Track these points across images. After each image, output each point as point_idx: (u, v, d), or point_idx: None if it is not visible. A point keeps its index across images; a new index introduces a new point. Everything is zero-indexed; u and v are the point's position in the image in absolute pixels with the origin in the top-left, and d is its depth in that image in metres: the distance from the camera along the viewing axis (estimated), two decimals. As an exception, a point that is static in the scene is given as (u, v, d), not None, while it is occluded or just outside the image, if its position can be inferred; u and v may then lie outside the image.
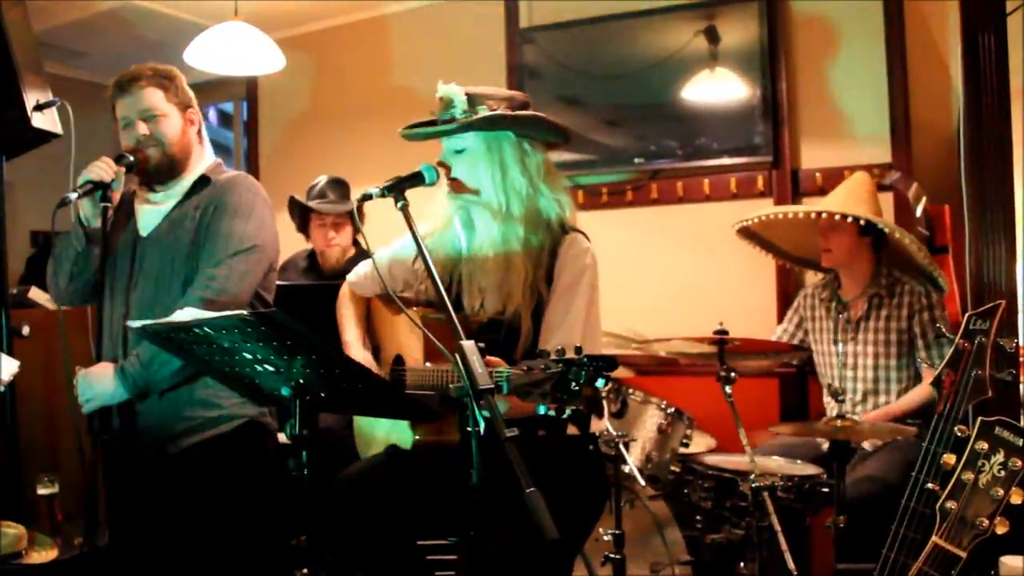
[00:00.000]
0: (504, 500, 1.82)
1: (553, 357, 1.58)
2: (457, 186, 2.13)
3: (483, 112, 2.08)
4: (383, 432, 2.27)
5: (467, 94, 2.11)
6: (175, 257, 2.35)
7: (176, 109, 2.41)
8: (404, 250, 2.33)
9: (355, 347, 2.35)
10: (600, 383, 1.55)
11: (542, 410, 1.58)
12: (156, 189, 2.44)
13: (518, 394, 1.61)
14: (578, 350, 1.56)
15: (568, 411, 1.57)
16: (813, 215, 3.08)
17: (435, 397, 2.04)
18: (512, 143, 2.12)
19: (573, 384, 1.54)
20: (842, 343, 3.15)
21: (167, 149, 2.38)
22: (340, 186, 3.74)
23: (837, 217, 3.03)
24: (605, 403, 3.06)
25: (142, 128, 2.36)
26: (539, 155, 2.16)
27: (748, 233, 3.43)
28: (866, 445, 2.97)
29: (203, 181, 2.44)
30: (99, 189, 2.27)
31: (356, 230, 3.67)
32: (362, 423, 2.41)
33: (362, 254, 3.63)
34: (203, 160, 2.49)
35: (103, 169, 2.28)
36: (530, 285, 2.08)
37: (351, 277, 2.48)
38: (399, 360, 2.28)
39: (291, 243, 3.72)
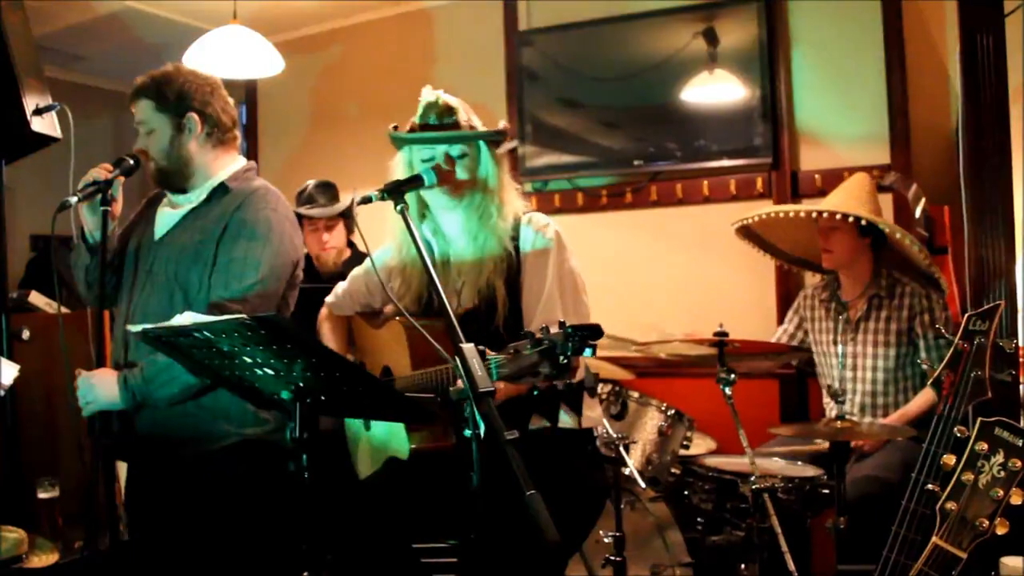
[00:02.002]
0: (502, 501, 1.82)
1: (538, 336, 1.61)
2: (461, 185, 2.18)
3: (473, 119, 2.21)
4: (379, 444, 2.26)
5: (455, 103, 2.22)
6: (179, 263, 2.30)
7: (167, 118, 2.31)
8: (382, 265, 2.34)
9: None
10: (588, 352, 1.58)
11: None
12: (182, 193, 2.39)
13: (511, 379, 1.65)
14: (562, 324, 1.59)
15: (560, 386, 1.61)
16: (815, 214, 3.09)
17: (435, 399, 2.04)
18: (495, 150, 2.25)
19: (561, 358, 1.57)
20: (842, 344, 3.15)
21: (157, 163, 2.33)
22: (328, 189, 3.75)
23: (838, 216, 3.03)
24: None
25: (137, 142, 2.35)
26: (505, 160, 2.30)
27: (747, 232, 3.43)
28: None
29: (222, 188, 2.35)
30: (99, 192, 2.26)
31: (350, 231, 3.69)
32: (358, 438, 2.40)
33: (358, 255, 3.63)
34: (226, 165, 2.39)
35: (99, 172, 2.27)
36: (501, 259, 2.16)
37: (330, 299, 2.49)
38: (387, 372, 2.28)
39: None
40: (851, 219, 3.02)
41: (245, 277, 2.23)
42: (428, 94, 2.19)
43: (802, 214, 3.13)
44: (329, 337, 2.43)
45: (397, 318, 2.23)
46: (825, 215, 3.06)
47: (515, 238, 2.19)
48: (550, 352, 1.58)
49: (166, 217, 2.41)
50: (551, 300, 2.11)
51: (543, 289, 2.12)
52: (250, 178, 2.41)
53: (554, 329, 1.60)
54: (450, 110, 2.17)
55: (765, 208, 3.33)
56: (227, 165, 2.39)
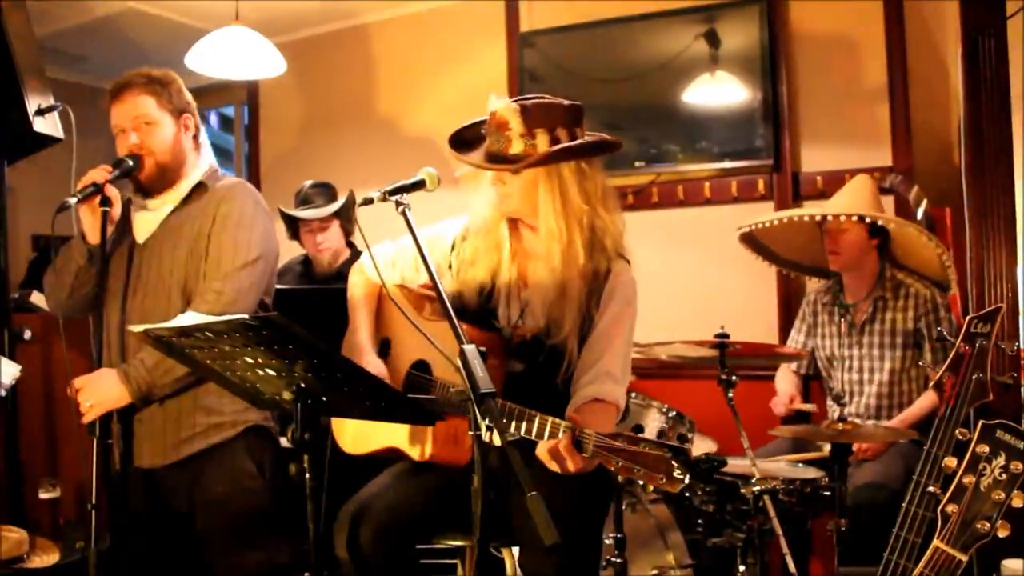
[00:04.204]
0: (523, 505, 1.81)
1: (672, 442, 1.64)
2: (516, 223, 2.13)
3: (541, 139, 2.01)
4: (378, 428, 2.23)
5: (522, 111, 1.99)
6: (173, 263, 2.35)
7: (169, 116, 2.39)
8: (446, 234, 2.25)
9: (369, 352, 2.23)
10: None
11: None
12: (152, 196, 2.43)
13: (614, 462, 1.65)
14: (682, 438, 1.60)
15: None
16: (829, 217, 3.06)
17: (437, 402, 2.04)
18: (571, 168, 2.06)
19: (677, 472, 1.59)
20: (847, 347, 3.14)
21: (158, 158, 2.36)
22: (325, 189, 3.74)
23: (855, 219, 3.01)
24: None
25: (133, 137, 2.36)
26: (598, 175, 2.11)
27: (748, 238, 3.42)
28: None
29: (200, 187, 2.43)
30: (99, 193, 2.27)
31: (348, 233, 3.68)
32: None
33: (357, 256, 3.62)
34: (199, 165, 2.48)
35: (97, 172, 2.29)
36: (581, 311, 2.07)
37: (367, 265, 2.29)
38: (421, 367, 2.21)
39: (287, 248, 3.72)
40: (867, 220, 3.01)
41: (237, 260, 2.32)
42: (492, 103, 2.04)
43: (817, 218, 3.10)
44: (362, 310, 2.29)
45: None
46: (843, 218, 3.03)
47: (606, 277, 2.10)
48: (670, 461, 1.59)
49: (145, 221, 2.45)
50: (611, 364, 2.05)
51: (609, 347, 2.06)
52: (220, 176, 2.51)
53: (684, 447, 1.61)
54: (501, 125, 2.00)
55: (770, 214, 3.31)
56: (200, 166, 2.48)
